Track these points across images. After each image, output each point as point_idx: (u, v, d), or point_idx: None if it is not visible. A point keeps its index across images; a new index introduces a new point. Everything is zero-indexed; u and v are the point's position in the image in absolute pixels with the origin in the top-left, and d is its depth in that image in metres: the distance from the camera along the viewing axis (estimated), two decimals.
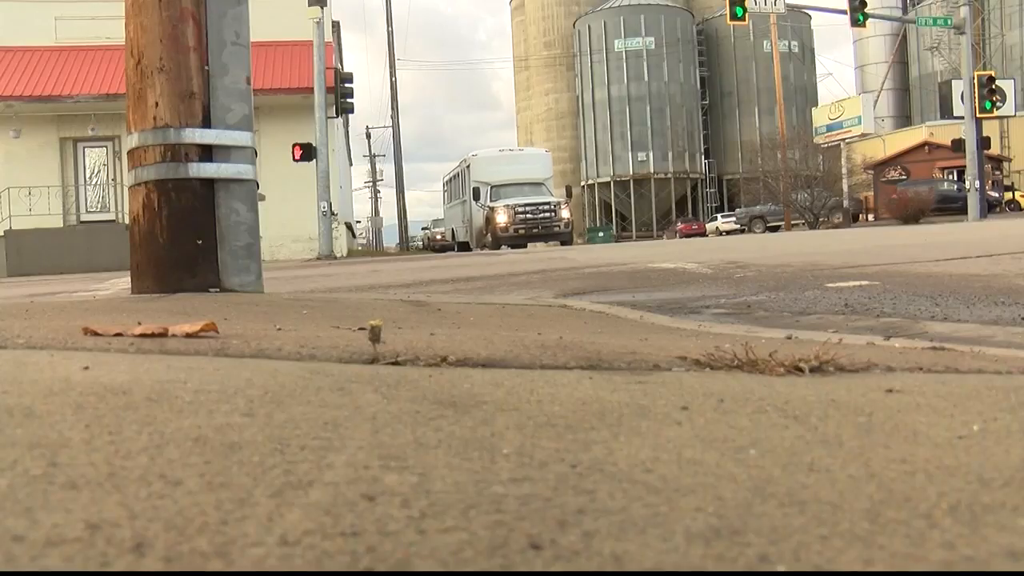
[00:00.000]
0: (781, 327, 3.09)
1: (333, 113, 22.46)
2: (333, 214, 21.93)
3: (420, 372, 1.60)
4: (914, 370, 1.76)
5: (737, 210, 49.83)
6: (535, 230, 27.94)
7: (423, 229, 53.90)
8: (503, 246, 27.25)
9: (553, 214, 28.05)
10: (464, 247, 33.92)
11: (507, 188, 29.55)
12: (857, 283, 4.73)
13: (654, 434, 1.11)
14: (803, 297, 4.31)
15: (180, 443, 0.97)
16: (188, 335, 2.00)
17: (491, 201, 29.20)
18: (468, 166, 32.47)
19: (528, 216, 27.87)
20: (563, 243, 28.00)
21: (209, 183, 4.04)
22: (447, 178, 40.07)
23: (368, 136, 67.81)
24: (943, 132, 39.40)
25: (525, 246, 27.51)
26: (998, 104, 28.27)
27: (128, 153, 4.15)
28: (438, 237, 46.40)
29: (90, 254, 19.09)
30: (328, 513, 0.75)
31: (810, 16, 63.18)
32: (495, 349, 1.92)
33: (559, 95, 69.74)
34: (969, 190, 28.47)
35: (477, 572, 0.65)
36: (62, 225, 22.23)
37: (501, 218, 27.81)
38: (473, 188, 30.54)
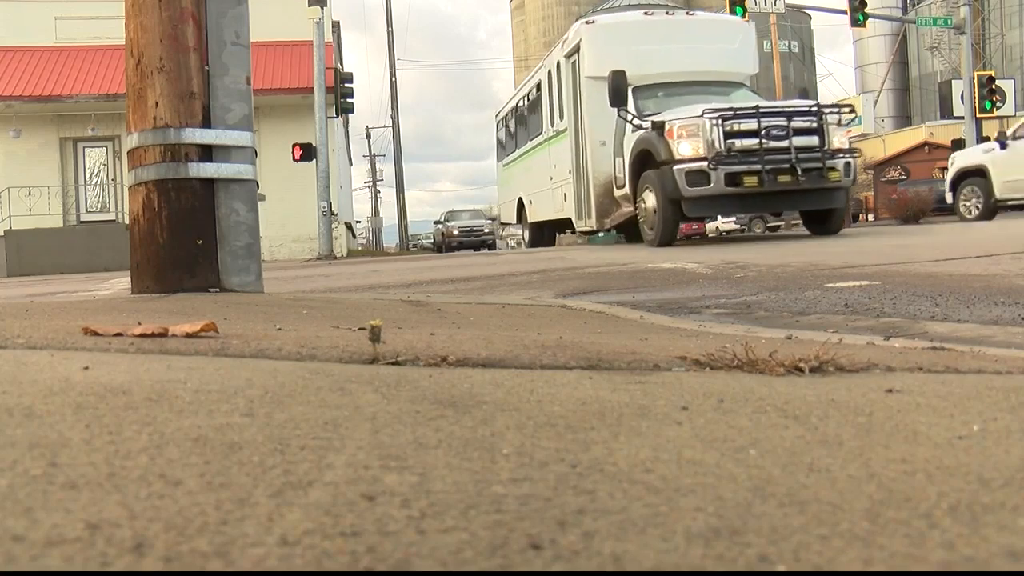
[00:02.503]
0: (781, 327, 3.09)
1: (333, 113, 22.47)
2: (333, 214, 21.92)
3: (420, 372, 1.60)
4: (914, 370, 1.76)
5: None
6: (784, 176, 10.91)
7: (436, 223, 43.78)
8: (675, 230, 11.72)
9: (820, 140, 11.30)
10: (546, 235, 18.49)
11: (668, 94, 12.95)
12: (857, 283, 4.72)
13: (654, 434, 1.11)
14: (803, 297, 4.31)
15: (180, 443, 0.97)
16: (188, 335, 2.00)
17: (644, 116, 12.15)
18: (578, 45, 14.42)
19: (766, 142, 10.96)
20: (827, 222, 12.16)
21: (209, 183, 4.04)
22: (506, 109, 21.62)
23: (368, 136, 67.78)
24: (943, 132, 39.41)
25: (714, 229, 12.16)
26: (998, 104, 28.25)
27: (128, 153, 4.16)
28: (455, 232, 35.86)
29: (90, 254, 19.12)
30: (328, 513, 0.75)
31: (810, 16, 63.33)
32: (495, 349, 1.92)
33: None
34: None
35: (477, 572, 0.64)
36: (62, 225, 22.26)
37: (686, 149, 11.00)
38: (613, 85, 12.25)
